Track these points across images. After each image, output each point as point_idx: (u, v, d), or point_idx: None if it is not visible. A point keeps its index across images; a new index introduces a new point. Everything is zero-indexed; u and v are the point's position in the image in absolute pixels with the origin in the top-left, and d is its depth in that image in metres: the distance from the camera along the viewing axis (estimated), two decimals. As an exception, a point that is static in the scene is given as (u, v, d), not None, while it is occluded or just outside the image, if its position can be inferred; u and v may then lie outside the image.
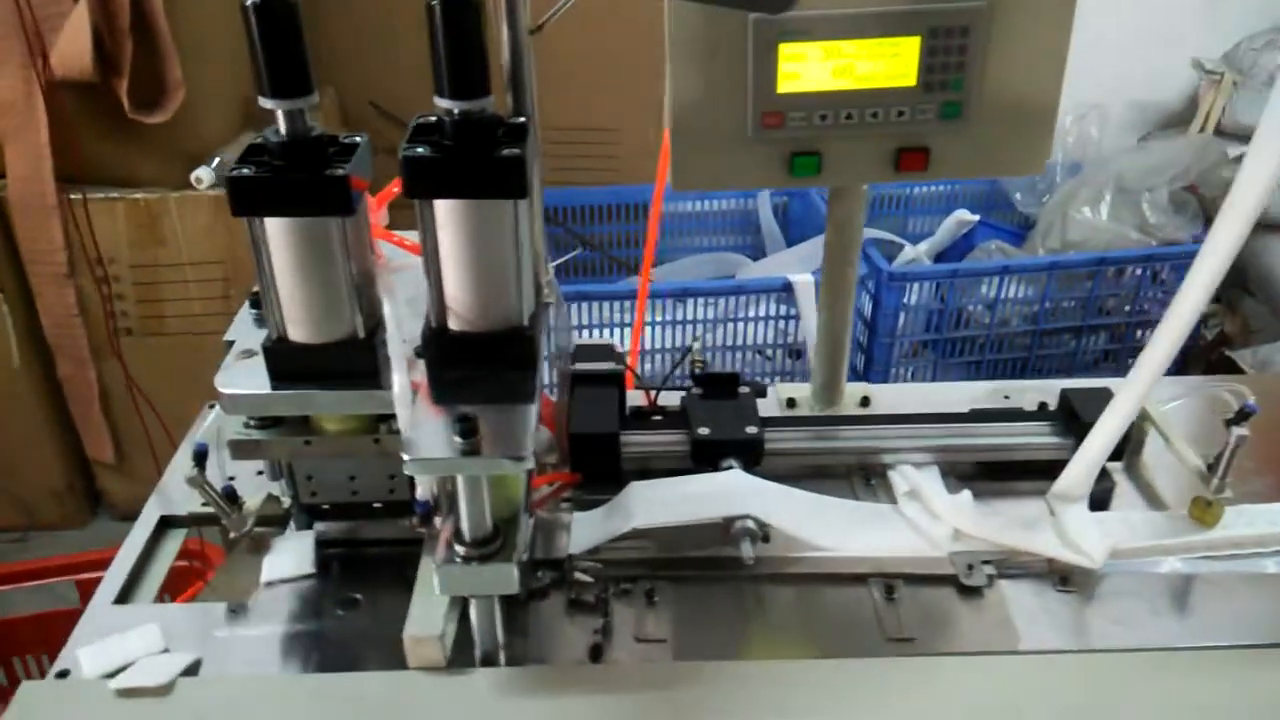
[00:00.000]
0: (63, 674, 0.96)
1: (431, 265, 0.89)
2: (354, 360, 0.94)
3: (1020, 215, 3.11)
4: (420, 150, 0.83)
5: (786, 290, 2.55)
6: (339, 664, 0.98)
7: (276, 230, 0.89)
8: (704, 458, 1.14)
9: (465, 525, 0.88)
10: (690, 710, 0.90)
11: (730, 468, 1.11)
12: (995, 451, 1.21)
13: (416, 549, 1.12)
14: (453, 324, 0.92)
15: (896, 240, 2.92)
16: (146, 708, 0.91)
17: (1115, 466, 1.23)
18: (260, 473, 1.18)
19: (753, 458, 1.14)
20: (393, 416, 0.98)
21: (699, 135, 1.09)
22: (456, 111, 0.83)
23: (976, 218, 2.97)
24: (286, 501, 1.16)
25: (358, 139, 0.92)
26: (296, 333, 0.94)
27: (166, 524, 1.17)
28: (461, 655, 0.96)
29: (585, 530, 1.09)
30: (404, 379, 0.88)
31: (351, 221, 0.90)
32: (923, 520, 1.12)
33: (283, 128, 0.87)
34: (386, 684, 0.93)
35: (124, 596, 1.07)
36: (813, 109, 1.07)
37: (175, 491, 1.21)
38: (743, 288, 2.56)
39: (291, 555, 1.08)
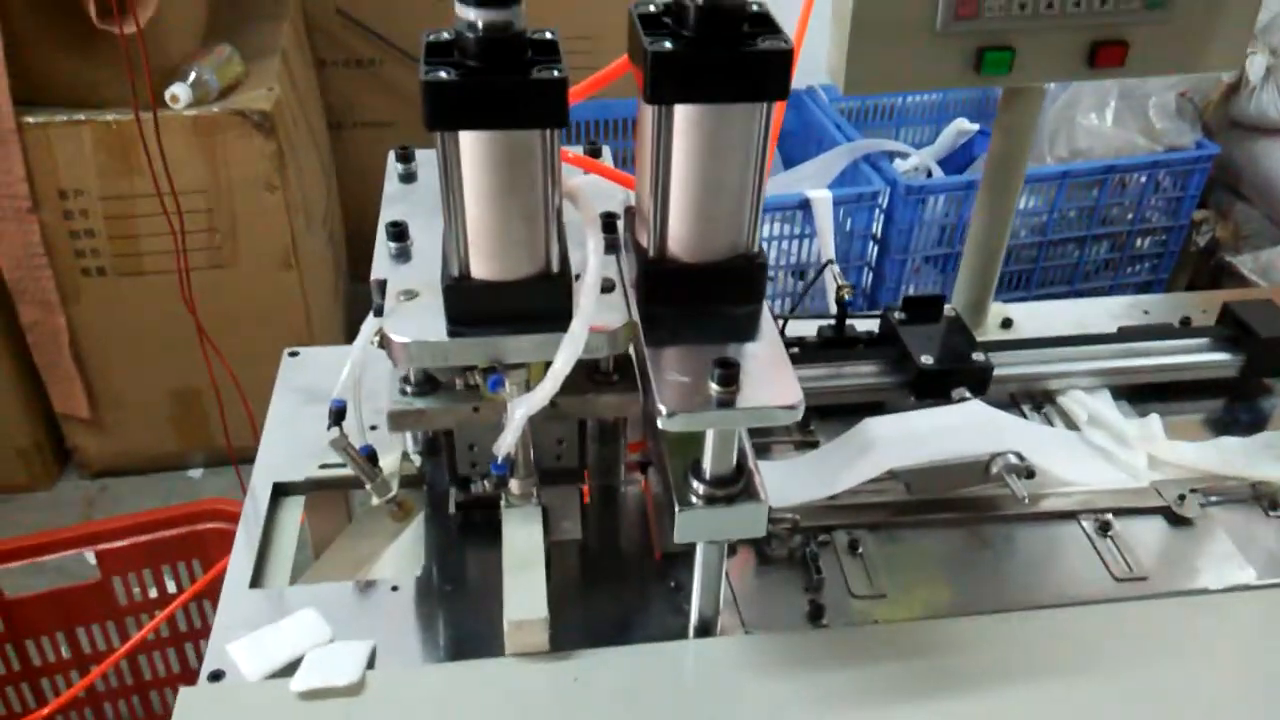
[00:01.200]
0: (216, 675, 0.82)
1: (659, 185, 0.76)
2: (547, 299, 0.81)
3: (1013, 124, 3.05)
4: (666, 44, 0.70)
5: (801, 208, 2.45)
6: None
7: (473, 146, 0.74)
8: (930, 389, 1.04)
9: (709, 462, 0.76)
10: (957, 673, 0.82)
11: (964, 399, 1.02)
12: (1169, 371, 1.14)
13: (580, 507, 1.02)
14: (674, 254, 0.79)
15: (898, 149, 2.83)
16: (340, 711, 0.78)
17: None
18: (374, 427, 1.04)
19: (981, 386, 1.05)
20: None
21: (881, 29, 0.97)
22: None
23: (976, 126, 2.90)
24: (418, 461, 1.03)
25: (549, 34, 0.77)
26: (484, 269, 0.80)
27: (280, 492, 1.02)
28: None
29: (793, 478, 0.98)
30: (586, 320, 0.76)
31: (556, 135, 0.76)
32: (1117, 449, 1.05)
33: (481, 20, 0.71)
34: (615, 660, 0.82)
35: (257, 579, 0.93)
36: (1011, -1, 0.96)
37: (279, 454, 1.06)
38: (759, 206, 2.44)
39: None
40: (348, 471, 0.96)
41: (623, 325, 0.82)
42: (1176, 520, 1.00)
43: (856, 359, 1.09)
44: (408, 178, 1.00)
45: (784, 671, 0.83)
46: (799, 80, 3.02)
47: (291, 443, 1.06)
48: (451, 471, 0.96)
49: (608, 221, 0.90)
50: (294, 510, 1.01)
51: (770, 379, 0.73)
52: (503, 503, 0.91)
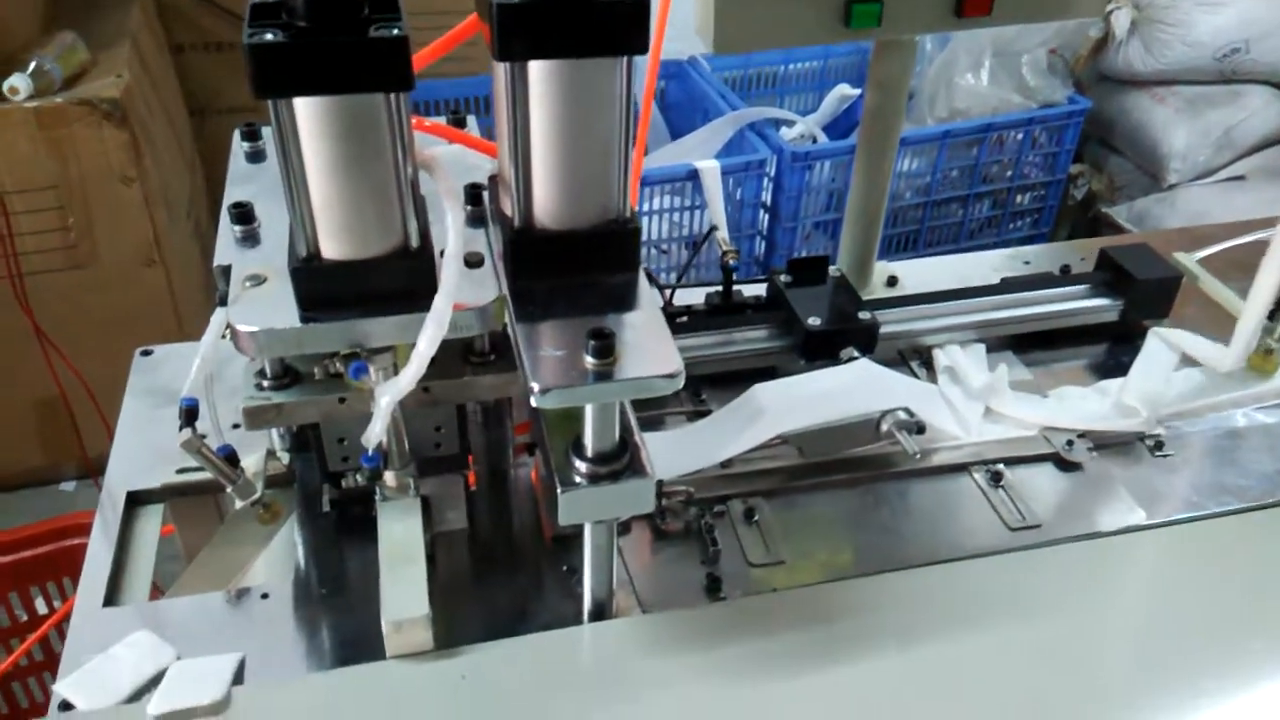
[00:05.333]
0: (66, 706, 0.75)
1: (518, 149, 0.71)
2: (407, 277, 0.76)
3: (893, 87, 3.08)
4: (512, -4, 0.65)
5: (690, 179, 2.42)
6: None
7: (310, 114, 0.68)
8: (819, 350, 1.02)
9: (590, 440, 0.72)
10: (859, 635, 0.80)
11: (853, 358, 1.00)
12: (1051, 319, 1.15)
13: (467, 493, 0.97)
14: (541, 222, 0.74)
15: (784, 117, 2.83)
16: (205, 735, 0.72)
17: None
18: (237, 425, 0.97)
19: (869, 345, 1.03)
20: (440, 359, 0.82)
21: (748, -16, 0.94)
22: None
23: (858, 91, 2.91)
24: (286, 458, 0.97)
25: (388, -9, 0.71)
26: (334, 248, 0.74)
27: (135, 501, 0.95)
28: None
29: (684, 448, 0.94)
30: (449, 296, 0.71)
31: (403, 100, 0.71)
32: (961, 402, 1.04)
33: (308, -31, 0.65)
34: (505, 653, 0.78)
35: (112, 597, 0.86)
36: (876, -53, 0.94)
37: (132, 461, 0.99)
38: (647, 179, 2.41)
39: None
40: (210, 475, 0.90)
41: (492, 300, 0.77)
42: (1066, 466, 1.00)
43: (745, 324, 1.07)
44: (255, 156, 0.93)
45: (683, 649, 0.80)
46: (681, 50, 2.95)
47: (147, 448, 0.99)
48: (322, 468, 0.90)
49: (473, 193, 0.85)
50: (152, 520, 0.94)
51: (648, 348, 0.70)
52: (377, 496, 0.85)
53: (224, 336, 0.79)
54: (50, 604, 1.58)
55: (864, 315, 1.04)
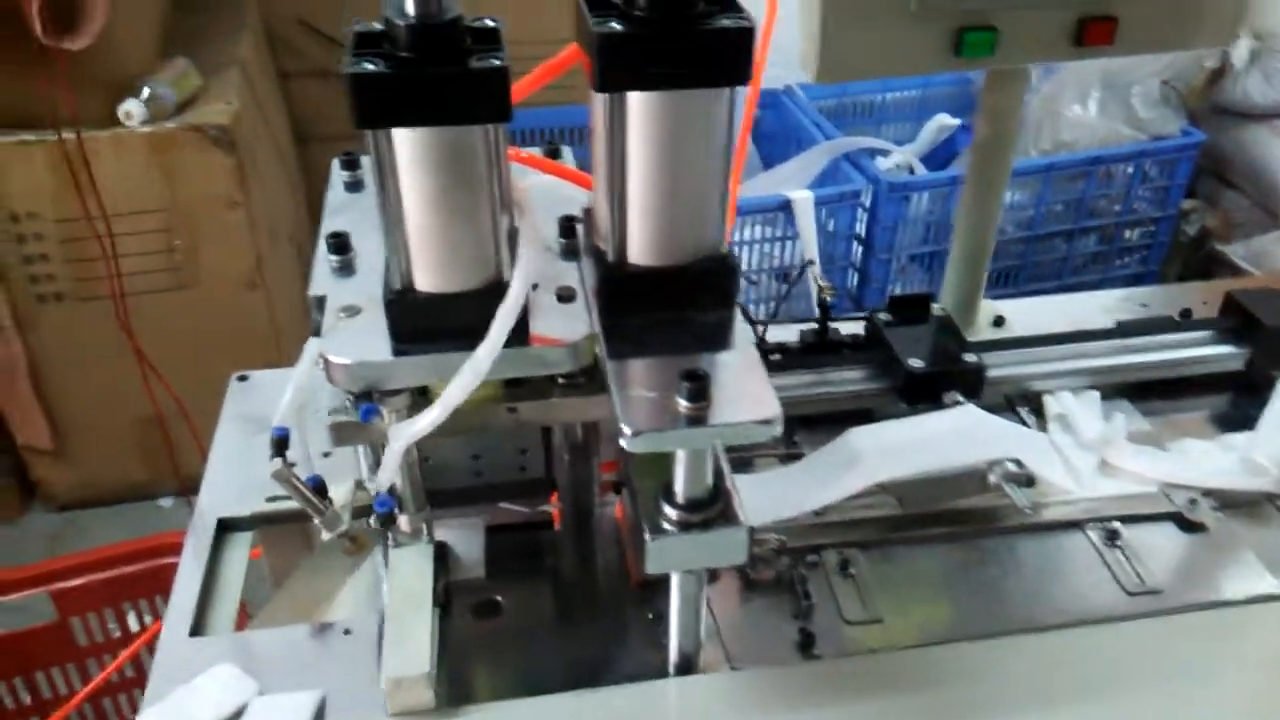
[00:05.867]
0: (148, 737, 0.75)
1: (615, 183, 0.69)
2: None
3: (995, 118, 2.99)
4: (614, 26, 0.63)
5: (782, 209, 2.38)
6: (504, 684, 0.80)
7: (408, 145, 0.67)
8: (921, 394, 0.98)
9: (681, 485, 0.69)
10: (961, 706, 0.75)
11: (957, 403, 0.95)
12: (1171, 367, 1.08)
13: (550, 533, 0.95)
14: (636, 257, 0.72)
15: (880, 146, 2.77)
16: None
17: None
18: (327, 454, 0.97)
19: (974, 388, 0.99)
20: (528, 380, 0.81)
21: (855, 12, 0.91)
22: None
23: (958, 122, 2.84)
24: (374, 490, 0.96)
25: (489, 22, 0.70)
26: (428, 280, 0.73)
27: (225, 528, 0.95)
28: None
29: (774, 493, 0.91)
30: (492, 348, 0.69)
31: (501, 131, 0.69)
32: (1074, 453, 0.98)
33: (412, 6, 0.65)
34: (586, 705, 0.75)
35: (198, 626, 0.85)
36: (992, -26, 0.90)
37: (224, 488, 0.99)
38: (738, 209, 2.38)
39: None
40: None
41: (584, 338, 0.75)
42: (1189, 526, 0.93)
43: (842, 364, 1.03)
44: (354, 186, 0.93)
45: (773, 710, 0.76)
46: (778, 79, 2.91)
47: (239, 475, 0.99)
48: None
49: (566, 225, 0.83)
50: (241, 547, 0.94)
51: (744, 391, 0.67)
52: (390, 541, 0.84)
53: (318, 365, 0.79)
54: (142, 620, 1.61)
55: (969, 357, 0.99)
